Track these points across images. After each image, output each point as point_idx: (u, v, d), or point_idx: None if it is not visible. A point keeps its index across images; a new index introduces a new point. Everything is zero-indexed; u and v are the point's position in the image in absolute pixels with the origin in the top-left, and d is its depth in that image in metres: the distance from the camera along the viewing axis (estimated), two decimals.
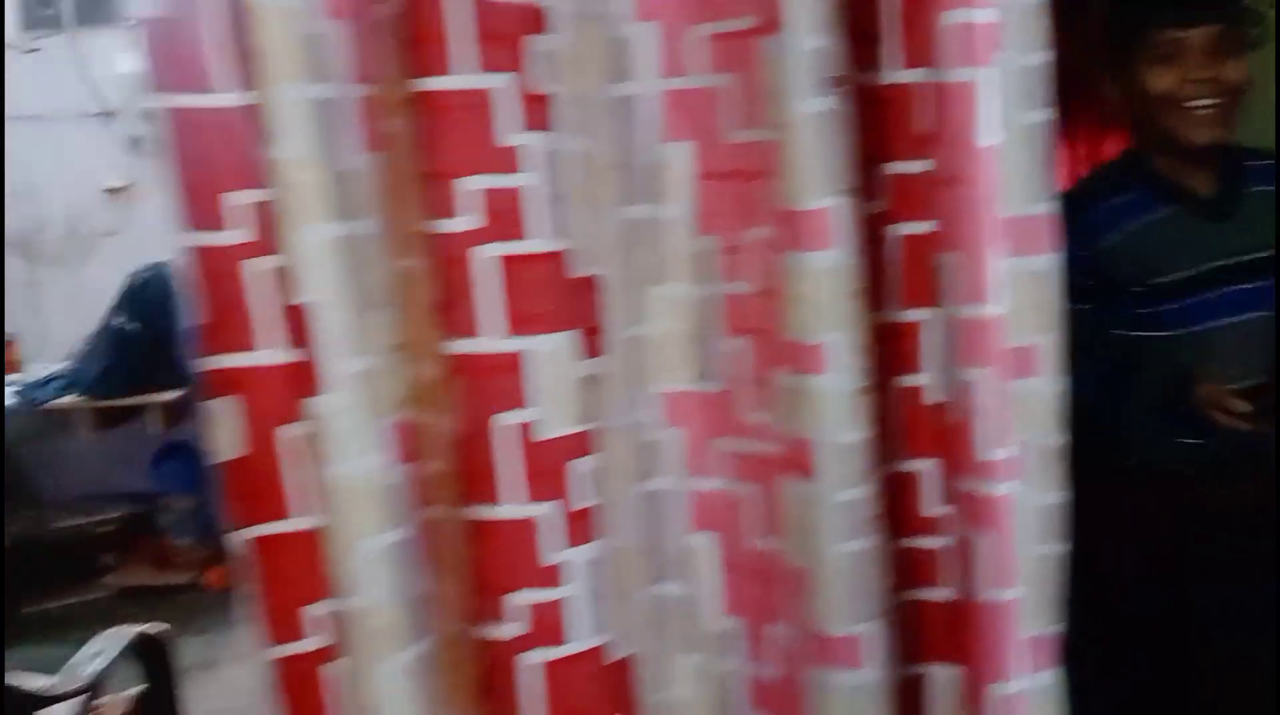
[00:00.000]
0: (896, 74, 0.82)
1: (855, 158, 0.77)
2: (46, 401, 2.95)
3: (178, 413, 2.92)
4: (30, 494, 3.12)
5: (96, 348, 2.95)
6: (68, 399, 2.96)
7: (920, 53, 0.79)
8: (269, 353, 0.77)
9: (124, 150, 3.18)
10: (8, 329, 2.86)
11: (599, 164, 0.82)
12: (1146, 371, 1.39)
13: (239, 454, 0.77)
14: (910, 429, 0.86)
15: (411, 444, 0.83)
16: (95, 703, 1.47)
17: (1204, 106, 1.32)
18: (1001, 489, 0.79)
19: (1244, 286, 1.45)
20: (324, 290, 0.73)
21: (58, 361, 3.06)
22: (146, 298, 2.87)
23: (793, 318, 0.76)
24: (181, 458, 2.97)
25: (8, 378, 2.90)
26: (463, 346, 0.77)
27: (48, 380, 3.00)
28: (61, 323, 3.18)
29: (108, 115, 3.16)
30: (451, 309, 0.77)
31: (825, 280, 0.75)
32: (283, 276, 0.74)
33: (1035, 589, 0.83)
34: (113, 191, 3.22)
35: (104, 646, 1.52)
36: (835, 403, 0.77)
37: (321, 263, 0.73)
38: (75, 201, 3.22)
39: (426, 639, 0.85)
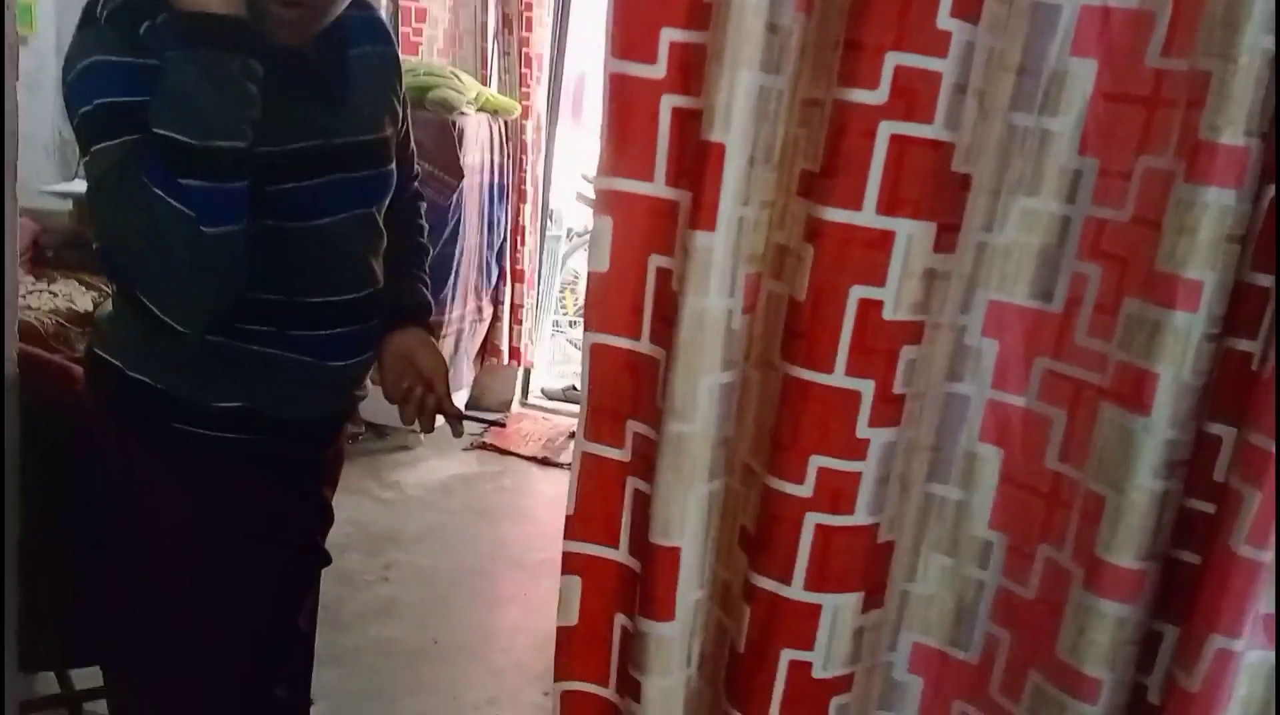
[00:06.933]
0: None
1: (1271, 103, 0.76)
2: None
3: None
4: None
5: None
6: None
7: None
8: (657, 185, 0.83)
9: None
10: None
11: (1002, 64, 0.83)
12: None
13: (604, 269, 0.84)
14: (1224, 391, 0.86)
15: (755, 298, 0.88)
16: None
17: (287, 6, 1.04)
18: None
19: (351, 175, 1.13)
20: (733, 134, 0.78)
21: None
22: None
23: (1172, 250, 0.76)
24: None
25: None
26: (836, 216, 0.81)
27: None
28: None
29: None
30: (835, 178, 0.80)
31: (1216, 218, 0.75)
32: (692, 116, 0.80)
33: None
34: None
35: None
36: (1192, 342, 0.78)
37: (738, 108, 0.77)
38: None
39: (724, 478, 0.91)
